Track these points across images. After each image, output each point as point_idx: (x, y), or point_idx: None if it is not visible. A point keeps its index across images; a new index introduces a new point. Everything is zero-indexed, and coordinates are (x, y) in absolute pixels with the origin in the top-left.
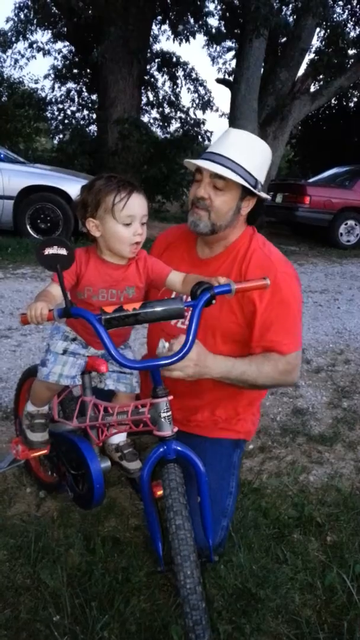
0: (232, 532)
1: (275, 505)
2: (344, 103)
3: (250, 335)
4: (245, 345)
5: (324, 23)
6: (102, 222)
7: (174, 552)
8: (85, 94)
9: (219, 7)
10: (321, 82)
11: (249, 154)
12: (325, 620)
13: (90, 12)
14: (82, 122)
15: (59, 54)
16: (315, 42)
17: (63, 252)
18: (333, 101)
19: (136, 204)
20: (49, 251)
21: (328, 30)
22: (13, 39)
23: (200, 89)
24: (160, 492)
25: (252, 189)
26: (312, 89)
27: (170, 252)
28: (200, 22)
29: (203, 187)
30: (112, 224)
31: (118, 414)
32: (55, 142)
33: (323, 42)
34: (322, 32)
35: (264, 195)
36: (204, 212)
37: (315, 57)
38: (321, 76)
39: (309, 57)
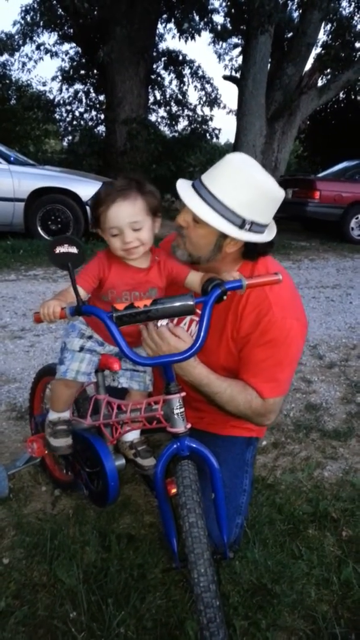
0: (247, 529)
1: (290, 501)
2: (353, 97)
3: (238, 365)
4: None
5: (330, 17)
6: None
7: (188, 550)
8: (93, 94)
9: (224, 4)
10: (329, 76)
11: (239, 189)
12: (341, 616)
13: (95, 12)
14: (90, 123)
15: (65, 55)
16: (322, 36)
17: (74, 250)
18: (341, 95)
19: (118, 214)
20: (59, 250)
21: (334, 24)
22: (20, 42)
23: (207, 86)
24: (174, 490)
25: (231, 231)
26: (320, 83)
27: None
28: (206, 20)
29: (182, 216)
30: (105, 235)
31: (131, 411)
32: (65, 143)
33: (330, 36)
34: (329, 25)
35: (253, 237)
36: (181, 240)
37: (322, 51)
38: (328, 70)
39: (315, 51)
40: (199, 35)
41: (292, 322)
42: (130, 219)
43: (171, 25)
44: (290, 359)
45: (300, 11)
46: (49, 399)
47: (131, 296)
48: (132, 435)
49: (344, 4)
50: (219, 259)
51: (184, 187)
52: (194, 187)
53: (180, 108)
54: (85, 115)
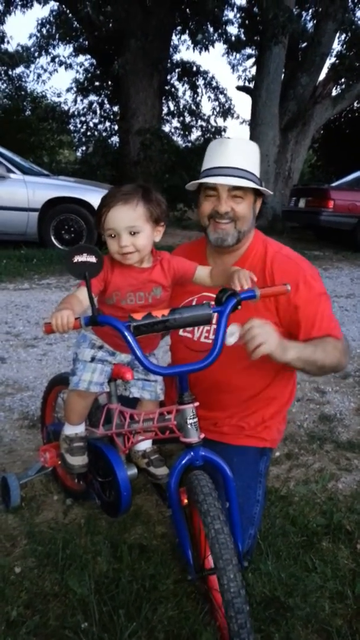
0: (260, 540)
1: (304, 513)
2: None
3: (297, 332)
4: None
5: (345, 27)
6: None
7: (215, 557)
8: (107, 105)
9: (238, 15)
10: (343, 86)
11: (247, 157)
12: (356, 630)
13: (110, 25)
14: (104, 134)
15: (80, 67)
16: (336, 46)
17: (92, 259)
18: (355, 104)
19: (117, 217)
20: (78, 259)
21: (349, 34)
22: (36, 54)
23: (221, 97)
24: (186, 500)
25: (262, 188)
26: (334, 92)
27: None
28: (220, 31)
29: (224, 202)
30: (105, 236)
31: (144, 421)
32: (79, 154)
33: (344, 46)
34: (343, 35)
35: (268, 191)
36: (229, 225)
37: (337, 61)
38: (342, 80)
39: (330, 61)
40: (213, 46)
41: (316, 272)
42: (128, 223)
43: (185, 36)
44: (329, 303)
45: (315, 21)
46: (61, 408)
47: (136, 297)
48: (145, 445)
49: (359, 14)
50: (252, 226)
51: (211, 179)
52: (211, 175)
53: (193, 118)
54: (100, 126)
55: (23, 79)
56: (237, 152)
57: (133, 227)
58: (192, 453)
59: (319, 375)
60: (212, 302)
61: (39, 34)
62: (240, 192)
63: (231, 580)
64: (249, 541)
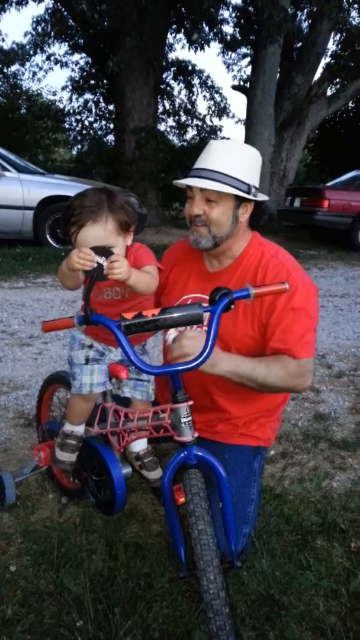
0: (255, 539)
1: (298, 512)
2: None
3: (264, 342)
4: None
5: (340, 27)
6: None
7: (197, 558)
8: (103, 104)
9: (233, 15)
10: (338, 86)
11: (235, 160)
12: (350, 628)
13: (105, 23)
14: (99, 132)
15: (76, 65)
16: (331, 46)
17: (106, 264)
18: (350, 104)
19: (88, 238)
20: (96, 259)
21: (344, 34)
22: (31, 52)
23: (216, 96)
24: (182, 499)
25: (245, 195)
26: (329, 92)
27: (179, 268)
28: (215, 30)
29: (195, 204)
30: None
31: (139, 419)
32: (74, 152)
33: (339, 46)
34: (338, 35)
35: (260, 198)
36: (203, 228)
37: (332, 61)
38: (337, 79)
39: (325, 60)
40: (208, 45)
41: (309, 286)
42: (100, 243)
43: (181, 35)
44: (312, 321)
45: (310, 21)
46: (56, 407)
47: (112, 292)
48: (140, 446)
49: (354, 14)
50: (235, 233)
51: (185, 180)
52: (191, 177)
53: (189, 118)
54: (95, 125)
55: (18, 77)
56: (220, 154)
57: (106, 245)
58: (185, 452)
59: (268, 392)
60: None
61: (34, 32)
62: (214, 195)
63: (211, 581)
64: (244, 540)
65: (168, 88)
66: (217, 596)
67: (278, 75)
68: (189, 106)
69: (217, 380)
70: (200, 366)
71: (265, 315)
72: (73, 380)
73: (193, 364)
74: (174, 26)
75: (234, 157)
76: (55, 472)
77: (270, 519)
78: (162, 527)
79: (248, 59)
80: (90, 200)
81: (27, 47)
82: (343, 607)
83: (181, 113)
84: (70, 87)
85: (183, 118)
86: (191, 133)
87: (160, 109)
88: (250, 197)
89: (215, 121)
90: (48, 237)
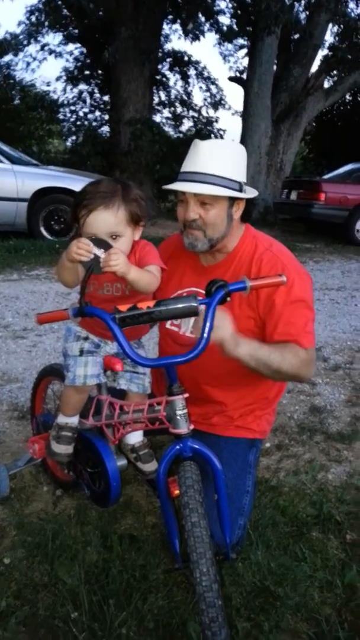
0: (250, 530)
1: (294, 504)
2: (359, 98)
3: (265, 330)
4: None
5: (337, 18)
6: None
7: (190, 550)
8: (97, 95)
9: (230, 5)
10: (335, 78)
11: (225, 160)
12: (345, 619)
13: (100, 13)
14: (94, 124)
15: (70, 55)
16: (329, 38)
17: (103, 257)
18: (347, 97)
19: (97, 222)
20: (94, 250)
21: (341, 26)
22: (25, 42)
23: (212, 87)
24: (177, 492)
25: (238, 194)
26: (326, 85)
27: (174, 262)
28: (211, 21)
29: (190, 209)
30: (83, 235)
31: (134, 412)
32: (68, 143)
33: (336, 38)
34: (336, 27)
35: (251, 194)
36: (198, 232)
37: (329, 53)
38: (335, 72)
39: (322, 53)
40: (204, 36)
41: (305, 276)
42: (109, 229)
43: (177, 26)
44: (312, 311)
45: (307, 13)
46: (50, 400)
47: (113, 287)
48: (135, 439)
49: (352, 5)
50: (231, 232)
51: (177, 185)
52: (182, 180)
53: (184, 109)
54: (90, 116)
55: (12, 67)
56: (208, 155)
57: (115, 232)
58: (181, 444)
59: (277, 380)
60: (202, 293)
61: (28, 22)
62: (208, 198)
63: (204, 574)
64: (239, 531)
65: (164, 79)
66: (210, 588)
67: (275, 67)
68: (184, 97)
69: (212, 372)
70: (225, 346)
71: (264, 309)
72: (67, 372)
73: (188, 357)
74: (170, 16)
75: (222, 157)
76: (50, 464)
77: (265, 511)
78: (157, 519)
79: (245, 50)
80: (105, 187)
81: (21, 37)
82: (338, 598)
83: (177, 104)
84: (64, 78)
85: (179, 109)
86: (187, 124)
87: (156, 100)
88: (243, 195)
89: (211, 113)
90: (42, 229)
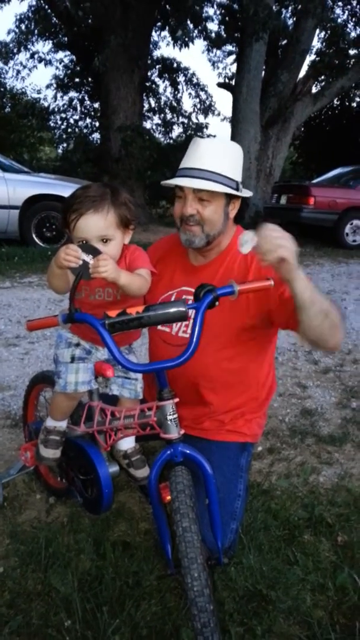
0: (242, 534)
1: (285, 507)
2: (347, 103)
3: (283, 314)
4: (254, 344)
5: (324, 24)
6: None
7: (181, 555)
8: (88, 102)
9: (218, 12)
10: (323, 83)
11: (223, 159)
12: (337, 621)
13: (90, 21)
14: (85, 131)
15: (60, 63)
16: (316, 43)
17: (92, 262)
18: (335, 102)
19: (87, 226)
20: (83, 256)
21: (328, 31)
22: (15, 50)
23: (202, 93)
24: (169, 497)
25: (235, 192)
26: (314, 90)
27: (163, 263)
28: (200, 27)
29: (189, 204)
30: (73, 240)
31: (125, 417)
32: (59, 151)
33: (324, 43)
34: (323, 33)
35: (246, 193)
36: (196, 228)
37: (317, 58)
38: (322, 77)
39: (309, 58)
40: (193, 43)
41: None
42: (99, 233)
43: (165, 33)
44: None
45: (295, 18)
46: (43, 407)
47: (105, 293)
48: (127, 445)
49: (338, 11)
50: (226, 230)
51: (177, 180)
52: (181, 176)
53: (174, 115)
54: (80, 123)
55: (2, 75)
56: (208, 153)
57: (105, 235)
58: (171, 449)
59: (320, 333)
60: (190, 298)
61: (17, 30)
62: (206, 195)
63: (195, 579)
64: (231, 535)
65: (153, 86)
66: (202, 593)
67: (263, 72)
68: (174, 104)
69: (204, 373)
70: (287, 264)
71: (273, 304)
72: (58, 379)
73: (178, 361)
74: (159, 23)
75: (221, 155)
76: (42, 471)
77: (257, 515)
78: (150, 525)
79: (233, 57)
80: (95, 191)
81: (11, 45)
82: (330, 600)
83: (167, 111)
84: (54, 85)
85: (169, 116)
86: (177, 131)
87: (146, 106)
88: (239, 193)
89: (201, 119)
90: (34, 236)
